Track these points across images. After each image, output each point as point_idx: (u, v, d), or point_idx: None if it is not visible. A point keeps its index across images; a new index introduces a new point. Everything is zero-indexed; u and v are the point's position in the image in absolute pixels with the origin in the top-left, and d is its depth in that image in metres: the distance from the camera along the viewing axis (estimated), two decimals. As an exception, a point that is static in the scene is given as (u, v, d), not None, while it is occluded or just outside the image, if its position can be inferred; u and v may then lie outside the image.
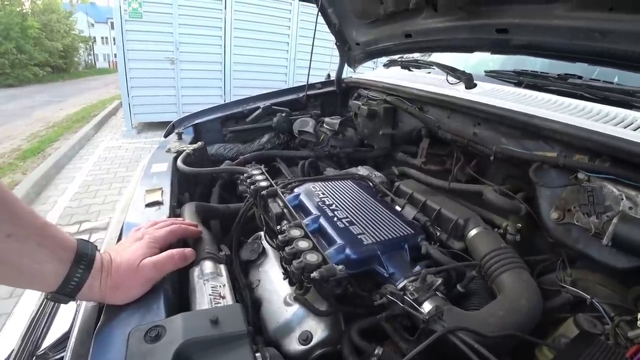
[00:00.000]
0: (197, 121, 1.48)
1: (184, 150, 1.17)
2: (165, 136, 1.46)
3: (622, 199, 0.72)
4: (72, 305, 0.98)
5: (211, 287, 0.59)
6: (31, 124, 6.89)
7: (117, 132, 6.57)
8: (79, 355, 0.49)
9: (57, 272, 0.48)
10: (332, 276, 0.58)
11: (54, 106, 8.96)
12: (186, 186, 1.17)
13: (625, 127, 0.77)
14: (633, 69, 0.75)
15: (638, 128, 0.76)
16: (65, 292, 0.49)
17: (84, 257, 0.51)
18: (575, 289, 0.76)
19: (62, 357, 0.91)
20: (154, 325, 0.47)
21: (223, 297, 0.58)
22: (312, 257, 0.60)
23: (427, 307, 0.63)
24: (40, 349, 0.88)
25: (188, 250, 0.65)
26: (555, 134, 0.80)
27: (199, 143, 1.24)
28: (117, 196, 3.84)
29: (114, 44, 5.97)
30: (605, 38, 0.72)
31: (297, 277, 0.59)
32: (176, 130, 1.39)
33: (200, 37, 6.08)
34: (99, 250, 0.55)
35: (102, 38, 34.21)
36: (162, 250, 0.62)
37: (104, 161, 4.99)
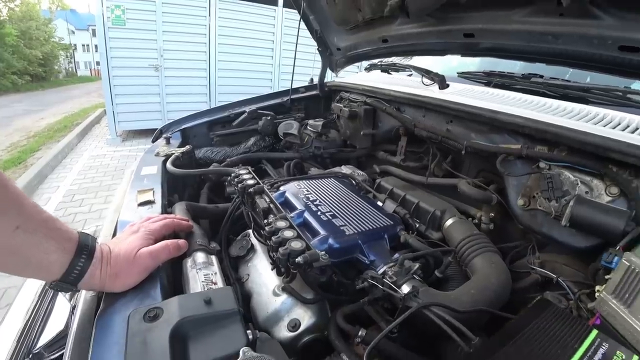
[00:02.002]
0: (184, 126, 1.51)
1: (173, 154, 1.21)
2: (153, 141, 1.49)
3: (578, 184, 0.79)
4: (66, 305, 1.01)
5: (204, 274, 0.64)
6: (10, 134, 6.75)
7: (101, 140, 6.50)
8: (81, 339, 0.53)
9: (62, 261, 0.52)
10: (315, 260, 0.63)
11: (34, 115, 8.79)
12: (175, 188, 1.21)
13: (579, 120, 0.84)
14: (584, 67, 0.83)
15: (590, 120, 0.84)
16: (68, 280, 0.53)
17: (85, 248, 0.55)
18: (542, 270, 0.83)
19: (60, 356, 0.94)
20: (152, 307, 0.51)
21: (215, 283, 0.62)
22: (297, 244, 0.64)
23: (405, 288, 0.69)
24: (36, 348, 0.91)
25: (181, 241, 0.69)
26: (518, 128, 0.88)
27: (187, 146, 1.28)
28: (103, 205, 3.80)
29: (96, 51, 5.89)
30: (558, 40, 0.79)
31: (283, 263, 0.64)
32: (164, 135, 1.42)
33: (184, 44, 6.08)
34: (98, 243, 0.59)
35: (84, 45, 33.56)
36: (156, 241, 0.67)
37: (89, 170, 4.93)
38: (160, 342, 0.46)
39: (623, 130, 0.79)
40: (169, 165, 1.12)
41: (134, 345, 0.46)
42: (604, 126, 0.81)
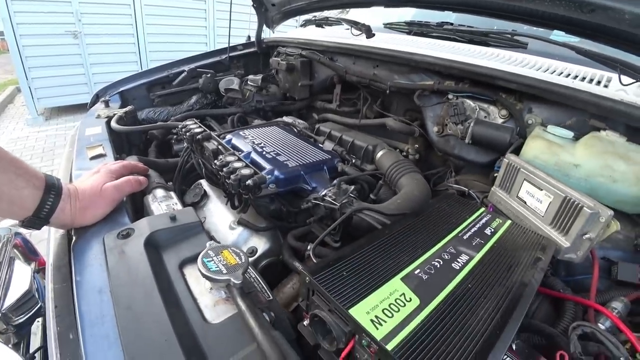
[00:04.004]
0: (122, 88, 1.48)
1: (115, 114, 1.21)
2: (90, 106, 1.45)
3: (477, 109, 0.97)
4: (26, 268, 1.04)
5: (165, 205, 0.72)
6: None
7: (19, 121, 5.82)
8: (60, 267, 0.59)
9: (34, 196, 0.57)
10: (263, 182, 0.73)
11: None
12: (121, 149, 1.22)
13: (479, 58, 1.00)
14: (477, 13, 0.97)
15: (486, 57, 1.00)
16: (40, 215, 0.58)
17: (53, 186, 0.59)
18: (457, 185, 1.01)
19: (27, 320, 0.99)
20: (123, 228, 0.59)
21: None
22: (246, 171, 0.74)
23: (341, 203, 0.82)
24: (3, 309, 0.94)
25: (141, 177, 0.76)
26: (430, 66, 1.02)
27: (130, 107, 1.28)
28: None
29: None
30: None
31: (235, 188, 0.73)
32: (102, 99, 1.39)
33: (105, 5, 5.46)
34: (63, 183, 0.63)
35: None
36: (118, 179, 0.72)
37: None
38: (137, 250, 0.54)
39: (510, 64, 0.96)
40: (113, 123, 1.13)
41: (113, 256, 0.54)
42: (496, 61, 0.98)
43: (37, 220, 0.58)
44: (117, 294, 0.47)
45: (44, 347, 0.83)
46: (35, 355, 0.82)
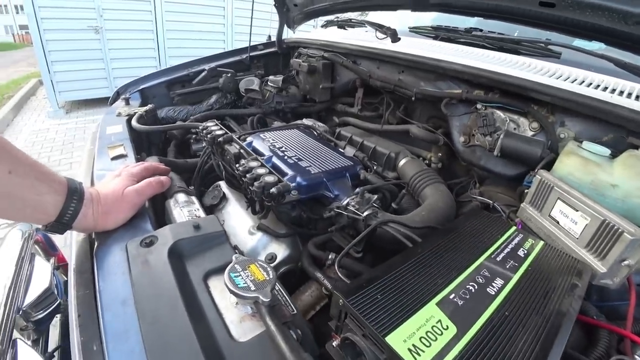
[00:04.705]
0: (143, 86, 1.49)
1: (136, 113, 1.21)
2: (111, 103, 1.46)
3: (507, 121, 0.93)
4: (46, 266, 1.04)
5: (187, 211, 0.71)
6: None
7: (41, 113, 5.95)
8: (82, 272, 0.59)
9: (56, 202, 0.56)
10: (287, 191, 0.72)
11: (-48, 89, 7.81)
12: (141, 148, 1.22)
13: (508, 67, 0.97)
14: (513, 21, 0.94)
15: (517, 67, 0.97)
16: (63, 220, 0.57)
17: (75, 190, 0.59)
18: (481, 198, 0.98)
19: (47, 315, 0.99)
20: (146, 235, 0.58)
21: (199, 217, 0.69)
22: (270, 178, 0.73)
23: (366, 213, 0.80)
24: (24, 306, 0.94)
25: (164, 177, 0.75)
26: (458, 74, 0.99)
27: (150, 105, 1.28)
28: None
29: (17, 13, 5.10)
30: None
31: (259, 196, 0.72)
32: (122, 97, 1.40)
33: (126, 1, 5.55)
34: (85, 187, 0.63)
35: (1, 6, 29.40)
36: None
37: (33, 146, 4.58)
38: (161, 260, 0.53)
39: (542, 75, 0.92)
40: (134, 122, 1.13)
41: (136, 265, 0.53)
42: (528, 72, 0.94)
43: (59, 225, 0.58)
44: (142, 307, 0.46)
45: (62, 347, 0.83)
46: (54, 354, 0.82)
